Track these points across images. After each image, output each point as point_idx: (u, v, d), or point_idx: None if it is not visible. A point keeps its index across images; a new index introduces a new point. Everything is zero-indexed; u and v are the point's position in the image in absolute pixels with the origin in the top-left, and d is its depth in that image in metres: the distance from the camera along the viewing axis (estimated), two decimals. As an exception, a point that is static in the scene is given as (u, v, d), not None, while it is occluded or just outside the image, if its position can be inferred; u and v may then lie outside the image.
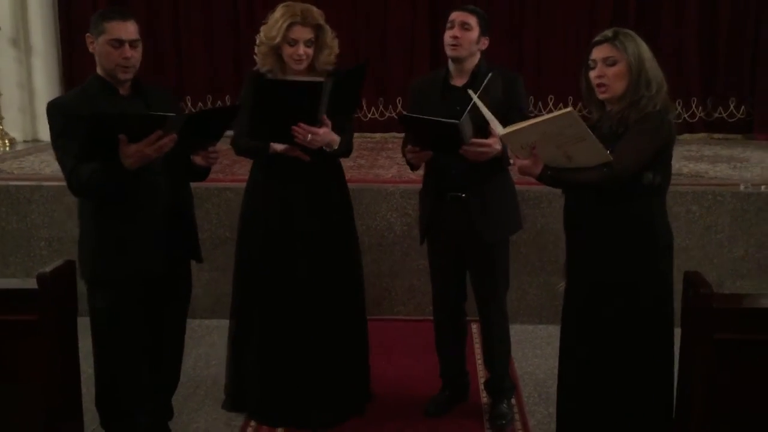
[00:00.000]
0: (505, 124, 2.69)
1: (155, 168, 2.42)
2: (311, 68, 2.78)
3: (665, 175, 2.35)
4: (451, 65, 2.83)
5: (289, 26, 2.67)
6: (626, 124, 2.28)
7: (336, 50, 2.81)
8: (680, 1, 5.67)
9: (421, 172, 3.00)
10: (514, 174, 2.77)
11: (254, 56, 2.84)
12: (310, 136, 2.59)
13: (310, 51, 2.73)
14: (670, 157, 2.38)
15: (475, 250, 2.89)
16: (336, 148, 2.75)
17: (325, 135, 2.65)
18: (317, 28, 2.72)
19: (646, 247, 2.34)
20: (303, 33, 2.68)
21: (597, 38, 2.36)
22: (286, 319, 2.89)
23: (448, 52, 2.79)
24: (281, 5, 2.75)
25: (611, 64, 2.30)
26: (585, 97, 2.43)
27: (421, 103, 2.79)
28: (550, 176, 2.27)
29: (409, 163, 2.82)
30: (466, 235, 2.85)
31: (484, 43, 2.81)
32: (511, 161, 2.32)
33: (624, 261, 2.33)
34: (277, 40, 2.69)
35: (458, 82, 2.82)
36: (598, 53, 2.33)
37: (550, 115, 2.14)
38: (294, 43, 2.69)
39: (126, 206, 2.47)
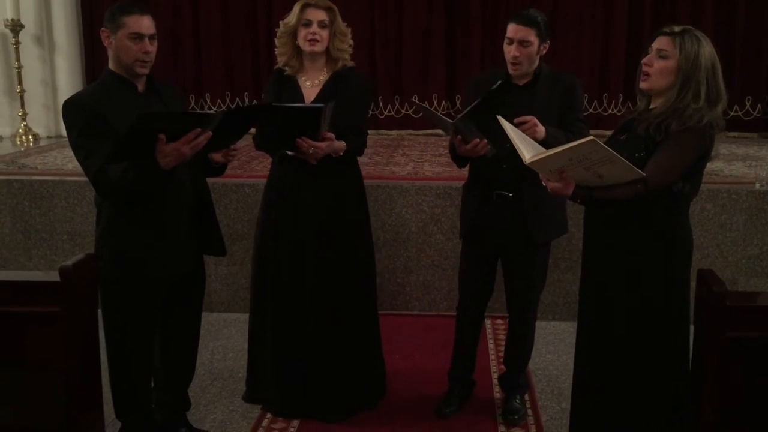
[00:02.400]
0: (561, 127, 2.70)
1: (180, 166, 2.38)
2: (328, 55, 2.87)
3: (695, 183, 2.32)
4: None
5: (303, 7, 2.81)
6: (666, 132, 2.21)
7: (350, 40, 2.90)
8: (697, 0, 5.66)
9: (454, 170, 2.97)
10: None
11: (275, 50, 2.94)
12: (312, 149, 2.68)
13: (325, 33, 2.81)
14: (703, 167, 2.33)
15: (518, 249, 2.88)
16: (342, 154, 2.81)
17: (327, 147, 2.73)
18: (329, 11, 2.83)
19: (665, 249, 2.32)
20: (316, 14, 2.80)
21: (664, 28, 2.29)
22: (298, 313, 2.94)
23: (510, 70, 2.75)
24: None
25: (662, 56, 2.24)
26: (637, 84, 2.36)
27: (476, 99, 2.69)
28: (583, 196, 2.23)
29: (458, 158, 2.80)
30: (511, 234, 2.84)
31: (545, 47, 2.76)
32: (543, 183, 2.29)
33: (642, 261, 2.32)
34: (293, 22, 2.82)
35: (519, 81, 2.80)
36: (657, 43, 2.27)
37: (572, 144, 2.10)
38: (308, 23, 2.80)
39: (151, 206, 2.45)
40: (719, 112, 2.26)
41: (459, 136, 2.62)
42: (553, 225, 2.93)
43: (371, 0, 5.94)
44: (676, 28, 2.27)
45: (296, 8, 2.83)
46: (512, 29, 2.72)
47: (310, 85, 2.88)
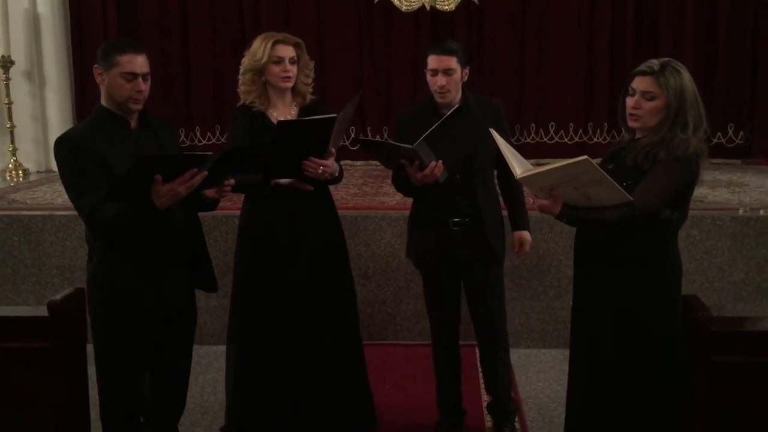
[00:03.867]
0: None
1: (174, 204, 2.39)
2: (294, 89, 2.90)
3: (683, 211, 2.36)
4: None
5: (274, 45, 2.82)
6: (653, 161, 2.25)
7: (312, 73, 2.94)
8: (678, 26, 5.74)
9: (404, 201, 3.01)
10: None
11: (237, 90, 2.94)
12: (321, 168, 2.69)
13: (295, 69, 2.86)
14: (690, 195, 2.37)
15: (483, 270, 2.92)
16: (336, 176, 2.85)
17: (333, 164, 2.76)
18: (297, 47, 2.87)
19: (654, 276, 2.35)
20: (286, 51, 2.83)
21: (642, 67, 2.31)
22: (285, 346, 2.93)
23: (438, 99, 2.81)
24: (259, 36, 2.90)
25: (649, 99, 2.26)
26: (620, 119, 2.41)
27: (410, 133, 2.72)
28: (569, 215, 2.27)
29: (410, 187, 2.81)
30: (476, 256, 2.88)
31: (466, 73, 2.85)
32: (531, 200, 2.34)
33: (632, 289, 2.34)
34: (264, 60, 2.81)
35: (447, 111, 2.81)
36: (639, 84, 2.29)
37: (566, 162, 2.13)
38: (280, 60, 2.82)
39: (144, 242, 2.45)
40: (702, 135, 2.30)
41: (416, 162, 2.63)
42: (503, 238, 2.99)
43: (359, 31, 6.00)
44: (655, 66, 2.29)
45: (265, 44, 2.82)
46: (434, 60, 2.79)
47: None
